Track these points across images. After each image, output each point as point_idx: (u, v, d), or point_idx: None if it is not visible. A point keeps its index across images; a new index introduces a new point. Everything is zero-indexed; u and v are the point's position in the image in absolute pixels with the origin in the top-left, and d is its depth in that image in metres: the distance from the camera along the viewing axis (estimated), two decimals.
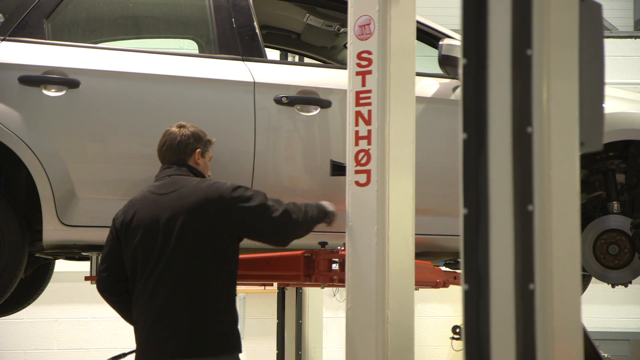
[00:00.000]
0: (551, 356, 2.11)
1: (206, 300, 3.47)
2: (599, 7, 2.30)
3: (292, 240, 3.72)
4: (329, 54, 5.41)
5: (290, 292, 5.96)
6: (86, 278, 4.30)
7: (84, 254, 4.26)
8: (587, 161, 4.43)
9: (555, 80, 2.18)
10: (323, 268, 3.83)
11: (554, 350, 2.12)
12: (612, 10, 8.80)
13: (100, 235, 3.83)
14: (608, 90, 4.55)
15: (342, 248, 3.81)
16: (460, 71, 2.19)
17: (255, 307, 8.85)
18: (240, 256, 3.66)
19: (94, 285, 3.78)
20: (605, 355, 3.32)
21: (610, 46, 8.68)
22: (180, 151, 3.72)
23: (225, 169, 4.10)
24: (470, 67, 2.24)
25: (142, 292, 3.52)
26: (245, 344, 8.32)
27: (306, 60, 5.80)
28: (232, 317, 3.58)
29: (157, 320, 3.47)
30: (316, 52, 5.49)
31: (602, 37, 2.30)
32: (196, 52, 4.93)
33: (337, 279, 3.87)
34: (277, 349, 6.04)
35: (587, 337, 3.05)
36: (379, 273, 3.69)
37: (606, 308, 8.32)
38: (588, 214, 4.48)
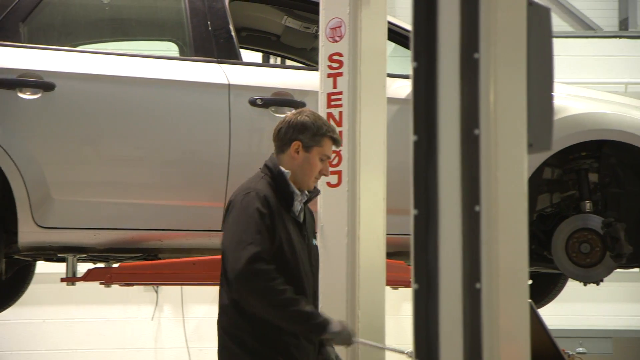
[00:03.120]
0: (497, 354, 2.15)
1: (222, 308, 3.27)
2: (547, 10, 2.33)
3: (244, 297, 3.13)
4: (309, 55, 5.45)
5: None
6: (62, 279, 4.33)
7: (60, 255, 4.29)
8: (561, 161, 4.47)
9: (503, 83, 2.22)
10: None
11: (500, 348, 2.16)
12: (597, 10, 8.84)
13: (76, 237, 3.87)
14: (580, 91, 4.60)
15: None
16: (411, 74, 2.23)
17: None
18: (212, 257, 3.71)
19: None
20: (570, 352, 3.36)
21: (595, 46, 8.73)
22: (277, 141, 3.38)
23: (200, 170, 4.15)
24: (421, 70, 2.28)
25: None
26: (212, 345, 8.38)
27: (288, 62, 5.85)
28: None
29: None
30: (296, 54, 5.53)
31: (551, 40, 2.34)
32: (177, 54, 4.98)
33: None
34: None
35: (547, 334, 3.10)
36: (349, 273, 3.74)
37: (588, 306, 8.36)
38: (562, 213, 4.52)
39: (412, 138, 2.28)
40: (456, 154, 2.22)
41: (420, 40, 2.27)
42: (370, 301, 3.78)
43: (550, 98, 2.37)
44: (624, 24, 8.81)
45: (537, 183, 4.48)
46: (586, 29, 8.82)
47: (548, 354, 3.14)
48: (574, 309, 8.34)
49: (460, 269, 2.20)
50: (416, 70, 2.28)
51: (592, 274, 4.36)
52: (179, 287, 8.26)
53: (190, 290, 8.44)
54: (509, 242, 2.20)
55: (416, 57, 2.29)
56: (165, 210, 4.12)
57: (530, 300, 3.17)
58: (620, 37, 8.75)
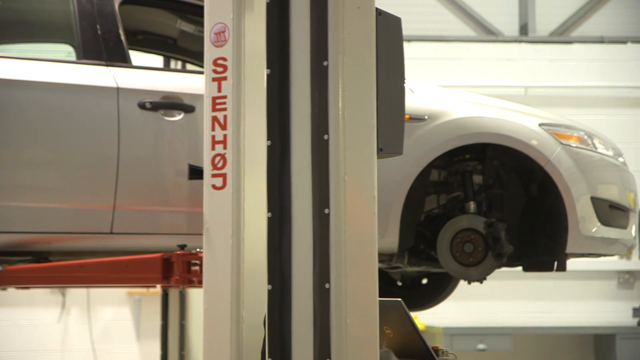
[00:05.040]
0: (345, 352, 2.23)
1: None
2: (398, 20, 2.43)
3: None
4: None
5: (173, 294, 6.02)
6: None
7: None
8: (446, 163, 4.60)
9: (351, 90, 2.31)
10: (181, 270, 3.90)
11: (348, 346, 2.24)
12: (498, 15, 9.05)
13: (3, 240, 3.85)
14: (464, 95, 4.74)
15: (201, 250, 3.89)
16: (265, 82, 2.30)
17: (152, 308, 8.86)
18: (98, 259, 3.72)
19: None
20: (444, 349, 3.47)
21: (496, 50, 8.94)
22: None
23: (88, 173, 4.15)
24: (274, 77, 2.36)
25: None
26: (141, 346, 8.37)
27: (188, 66, 5.87)
28: None
29: None
30: (195, 58, 5.57)
31: (402, 48, 2.44)
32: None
33: (196, 281, 3.95)
34: (161, 350, 6.09)
35: (416, 331, 3.20)
36: (234, 274, 3.78)
37: (489, 303, 8.57)
38: (448, 214, 4.65)
39: (265, 143, 2.35)
40: (307, 158, 2.30)
41: (274, 48, 2.35)
42: (255, 301, 3.84)
43: (401, 104, 2.47)
44: (524, 29, 9.04)
45: (424, 185, 4.60)
46: (487, 33, 9.03)
47: (418, 352, 3.24)
48: (475, 306, 8.54)
49: (311, 269, 2.28)
50: (269, 77, 2.36)
51: (474, 272, 4.48)
52: (85, 289, 8.21)
53: (97, 292, 8.40)
54: (358, 244, 2.29)
55: (269, 65, 2.37)
56: (53, 213, 4.12)
57: (400, 300, 3.28)
58: (520, 41, 8.98)
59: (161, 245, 4.04)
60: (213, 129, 3.89)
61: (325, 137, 2.27)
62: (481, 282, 4.62)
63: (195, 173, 3.95)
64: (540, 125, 4.48)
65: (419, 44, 8.80)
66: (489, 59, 8.87)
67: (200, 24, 4.99)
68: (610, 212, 4.55)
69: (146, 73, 4.38)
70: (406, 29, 8.75)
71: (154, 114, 4.24)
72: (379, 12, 2.36)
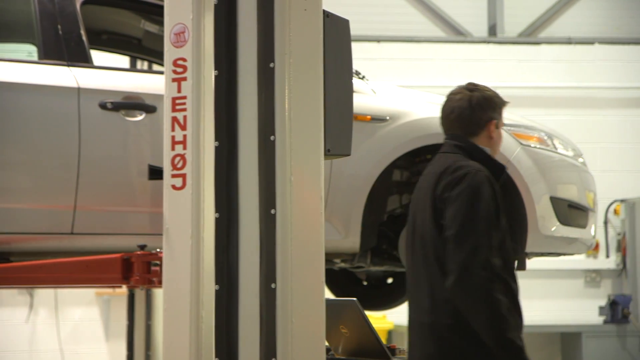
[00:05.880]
0: (290, 351, 2.25)
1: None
2: (345, 22, 2.45)
3: (466, 307, 2.80)
4: None
5: (139, 294, 6.01)
6: None
7: None
8: (408, 163, 4.63)
9: (298, 91, 2.32)
10: (141, 270, 3.90)
11: (293, 345, 2.26)
12: (467, 16, 9.10)
13: None
14: (427, 96, 4.77)
15: (162, 250, 3.89)
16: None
17: (120, 309, 8.85)
18: (58, 260, 3.71)
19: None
20: (401, 348, 3.50)
21: (465, 51, 9.00)
22: (467, 122, 3.12)
23: (49, 173, 4.15)
24: (221, 78, 2.37)
25: (409, 281, 3.13)
26: (109, 346, 8.35)
27: (155, 66, 5.87)
28: None
29: (412, 318, 3.05)
30: (160, 58, 5.56)
31: (350, 50, 2.46)
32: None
33: (156, 281, 3.95)
34: (127, 350, 6.09)
35: (372, 330, 3.22)
36: (193, 274, 3.79)
37: None
38: None
39: (213, 144, 2.37)
40: (254, 159, 2.32)
41: (221, 49, 2.36)
42: (214, 302, 3.85)
43: (349, 105, 2.49)
44: (492, 30, 9.10)
45: (386, 185, 4.62)
46: (457, 34, 9.08)
47: (374, 350, 3.27)
48: None
49: (257, 269, 2.30)
50: (217, 78, 2.37)
51: None
52: (53, 289, 8.18)
53: (66, 292, 8.37)
54: (304, 244, 2.31)
55: (217, 66, 2.38)
56: (14, 213, 4.11)
57: (355, 299, 3.31)
58: (489, 42, 9.03)
59: (123, 245, 4.03)
60: (173, 130, 3.89)
61: (272, 138, 2.29)
62: None
63: (155, 173, 3.95)
64: None
65: (389, 44, 8.84)
66: (458, 59, 8.92)
67: (163, 24, 4.99)
68: (570, 211, 4.59)
69: (107, 73, 4.37)
70: (376, 30, 8.81)
71: (115, 114, 4.23)
72: (327, 15, 2.38)
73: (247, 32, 2.32)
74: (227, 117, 2.33)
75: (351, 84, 2.48)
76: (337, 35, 2.40)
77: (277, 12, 2.29)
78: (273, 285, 2.26)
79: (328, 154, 2.39)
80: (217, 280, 2.31)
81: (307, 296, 2.29)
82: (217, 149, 2.34)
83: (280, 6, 2.29)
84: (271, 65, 2.29)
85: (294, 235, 2.27)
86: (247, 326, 2.28)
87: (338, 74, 2.41)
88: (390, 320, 8.21)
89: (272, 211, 2.27)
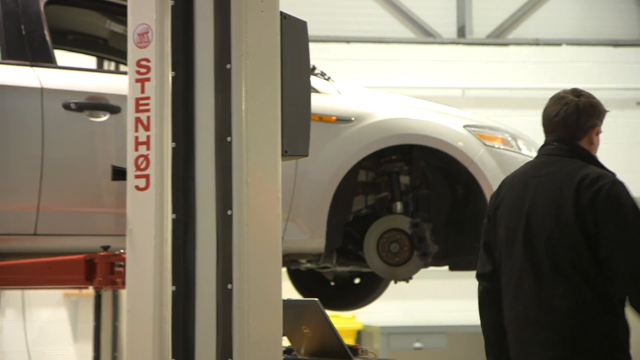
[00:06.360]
0: (246, 351, 2.25)
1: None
2: (303, 24, 2.46)
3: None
4: None
5: (106, 295, 5.99)
6: None
7: None
8: (374, 164, 4.65)
9: (255, 93, 2.33)
10: (104, 271, 3.88)
11: (250, 346, 2.27)
12: (436, 18, 9.14)
13: None
14: (394, 97, 4.80)
15: (125, 251, 3.88)
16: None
17: (89, 310, 8.80)
18: (20, 261, 3.69)
19: None
20: (365, 348, 3.51)
21: (434, 52, 9.04)
22: (572, 126, 3.19)
23: (12, 175, 4.12)
24: (179, 79, 2.37)
25: (508, 282, 3.16)
26: (77, 347, 8.30)
27: (122, 67, 5.85)
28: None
29: (522, 320, 3.11)
30: (126, 58, 5.54)
31: (307, 51, 2.47)
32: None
33: (120, 282, 3.93)
34: (94, 352, 6.06)
35: (333, 330, 3.23)
36: (157, 275, 3.78)
37: (426, 303, 8.66)
38: (376, 214, 4.70)
39: (170, 145, 2.37)
40: (211, 160, 2.32)
41: (178, 50, 2.37)
42: None
43: (307, 106, 2.50)
44: (461, 31, 9.15)
45: (352, 185, 4.64)
46: (426, 35, 9.12)
47: (336, 351, 3.28)
48: (413, 306, 8.62)
49: (214, 270, 2.30)
50: (174, 80, 2.38)
51: (400, 272, 4.54)
52: (20, 290, 8.13)
53: (34, 294, 8.32)
54: (261, 245, 2.32)
55: (174, 67, 2.38)
56: None
57: (316, 299, 3.32)
58: (457, 43, 9.08)
59: (87, 246, 4.02)
60: (136, 130, 3.87)
61: (229, 139, 2.29)
62: (407, 282, 4.68)
63: (119, 174, 3.93)
64: (464, 126, 4.55)
65: (358, 45, 8.86)
66: (427, 60, 8.97)
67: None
68: None
69: (71, 73, 4.35)
70: (345, 31, 8.82)
71: (79, 114, 4.21)
72: (284, 16, 2.38)
73: (204, 33, 2.32)
74: (184, 118, 2.33)
75: (309, 85, 2.49)
76: (294, 36, 2.41)
77: (233, 13, 2.29)
78: (230, 286, 2.26)
79: (285, 154, 2.39)
80: (174, 281, 2.31)
81: (264, 297, 2.29)
82: (174, 150, 2.34)
83: (237, 7, 2.29)
84: (228, 66, 2.29)
85: (251, 236, 2.27)
86: (203, 327, 2.28)
87: (296, 75, 2.42)
88: (360, 320, 8.24)
89: (229, 212, 2.28)
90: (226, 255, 2.27)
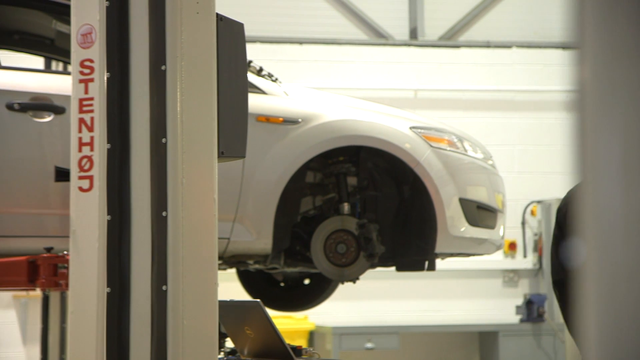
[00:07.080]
0: (181, 352, 2.25)
1: None
2: (240, 26, 2.47)
3: None
4: None
5: (54, 297, 5.91)
6: None
7: None
8: (321, 165, 4.66)
9: (190, 94, 2.33)
10: (48, 273, 3.86)
11: (185, 347, 2.27)
12: (388, 19, 9.18)
13: None
14: (342, 99, 4.82)
15: (68, 253, 3.85)
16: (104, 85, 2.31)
17: (39, 312, 8.72)
18: None
19: None
20: (309, 349, 3.52)
21: (387, 54, 9.08)
22: None
23: None
24: (114, 80, 2.36)
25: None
26: (27, 349, 8.21)
27: (70, 67, 5.79)
28: None
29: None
30: None
31: (244, 53, 2.47)
32: None
33: (63, 284, 3.91)
34: (41, 354, 5.98)
35: (275, 331, 3.24)
36: (100, 277, 3.77)
37: (379, 303, 8.70)
38: (324, 215, 4.71)
39: (105, 146, 2.36)
40: (146, 161, 2.32)
41: (113, 51, 2.36)
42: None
43: (244, 108, 2.50)
44: (413, 33, 9.20)
45: (300, 186, 4.65)
46: (378, 37, 9.16)
47: (279, 352, 3.28)
48: (365, 306, 8.66)
49: (149, 272, 2.30)
50: (109, 80, 2.37)
51: (347, 273, 4.56)
52: None
53: None
54: (196, 246, 2.32)
55: (109, 68, 2.37)
56: None
57: (258, 300, 3.32)
58: (410, 45, 9.13)
59: (30, 248, 3.98)
60: (80, 131, 3.85)
61: (164, 140, 2.29)
62: (354, 282, 4.70)
63: (62, 175, 3.91)
64: (411, 128, 4.58)
65: (311, 46, 8.88)
66: (379, 62, 9.01)
67: None
68: (479, 213, 4.68)
69: (15, 74, 4.32)
70: (298, 32, 8.83)
71: (23, 115, 4.18)
72: (220, 18, 2.39)
73: (139, 34, 2.32)
74: (119, 119, 2.32)
75: (246, 87, 2.50)
76: (231, 38, 2.41)
77: (168, 14, 2.29)
78: (164, 288, 2.26)
79: (222, 156, 2.40)
80: (109, 283, 2.30)
81: (199, 298, 2.30)
82: (109, 151, 2.33)
83: (172, 9, 2.29)
84: (163, 67, 2.29)
85: (186, 237, 2.27)
86: (138, 328, 2.28)
87: (232, 76, 2.42)
88: (312, 321, 8.26)
89: (164, 213, 2.28)
90: (161, 257, 2.27)
